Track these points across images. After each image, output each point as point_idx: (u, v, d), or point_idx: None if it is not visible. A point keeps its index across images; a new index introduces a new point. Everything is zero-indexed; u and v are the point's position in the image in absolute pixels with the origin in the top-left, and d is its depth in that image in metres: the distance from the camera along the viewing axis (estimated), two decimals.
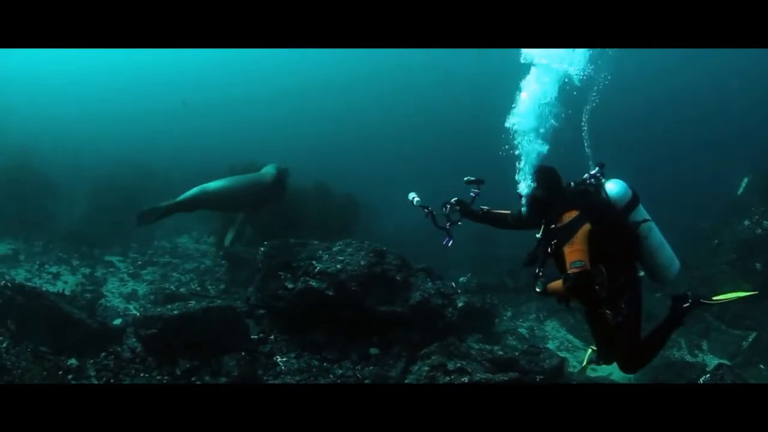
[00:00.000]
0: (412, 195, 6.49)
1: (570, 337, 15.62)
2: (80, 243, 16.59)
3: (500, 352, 8.62)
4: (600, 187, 5.82)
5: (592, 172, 5.89)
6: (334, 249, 9.30)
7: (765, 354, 12.63)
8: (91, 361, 8.07)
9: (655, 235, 5.89)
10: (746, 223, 16.81)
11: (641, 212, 5.86)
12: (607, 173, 5.89)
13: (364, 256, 9.01)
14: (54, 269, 14.66)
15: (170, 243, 19.18)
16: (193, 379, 7.84)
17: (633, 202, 5.81)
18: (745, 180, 19.17)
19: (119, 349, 8.38)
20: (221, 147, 25.08)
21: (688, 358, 13.73)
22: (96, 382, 7.66)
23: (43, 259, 15.17)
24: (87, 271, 14.92)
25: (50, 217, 18.79)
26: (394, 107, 55.03)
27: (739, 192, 19.03)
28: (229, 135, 43.77)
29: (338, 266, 8.76)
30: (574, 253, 5.27)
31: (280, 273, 9.10)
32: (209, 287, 14.09)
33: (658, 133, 46.77)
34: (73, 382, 7.52)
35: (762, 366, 12.12)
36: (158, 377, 7.79)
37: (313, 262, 8.92)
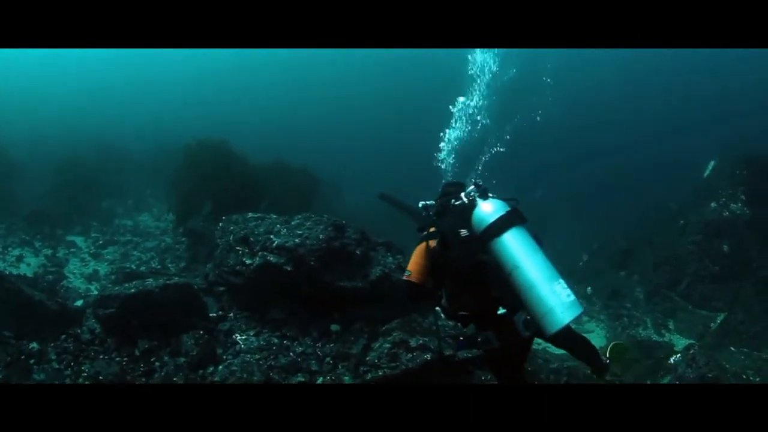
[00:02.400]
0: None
1: None
2: (42, 223, 16.33)
3: (464, 329, 8.50)
4: (470, 206, 5.50)
5: (468, 190, 5.64)
6: (293, 223, 9.05)
7: (734, 336, 12.67)
8: (52, 344, 7.92)
9: (524, 275, 5.08)
10: (713, 205, 16.93)
11: (509, 243, 5.18)
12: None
13: (323, 230, 8.76)
14: (17, 251, 14.48)
15: (132, 221, 18.94)
16: (152, 359, 7.69)
17: (494, 229, 5.25)
18: (712, 163, 19.34)
19: (79, 331, 8.18)
20: (178, 125, 24.84)
21: (655, 337, 13.76)
22: (57, 366, 7.55)
23: (6, 241, 14.95)
24: (49, 252, 14.79)
25: (14, 198, 18.46)
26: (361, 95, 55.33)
27: (705, 174, 19.17)
28: (186, 113, 43.47)
29: (297, 240, 8.52)
30: (409, 263, 5.48)
31: (237, 248, 8.88)
32: (170, 265, 13.95)
33: (631, 116, 47.15)
34: (35, 367, 7.44)
35: (732, 348, 12.10)
36: (117, 359, 7.62)
37: (271, 236, 8.68)
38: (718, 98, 44.01)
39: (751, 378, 10.33)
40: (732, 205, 16.88)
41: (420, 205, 5.97)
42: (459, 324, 5.66)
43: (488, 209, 5.31)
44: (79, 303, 10.01)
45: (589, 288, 17.69)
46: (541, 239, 5.97)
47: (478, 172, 6.29)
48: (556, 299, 4.92)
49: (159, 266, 13.96)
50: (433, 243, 5.47)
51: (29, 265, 13.66)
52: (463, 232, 5.35)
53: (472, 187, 5.60)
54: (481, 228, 5.26)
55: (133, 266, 14.05)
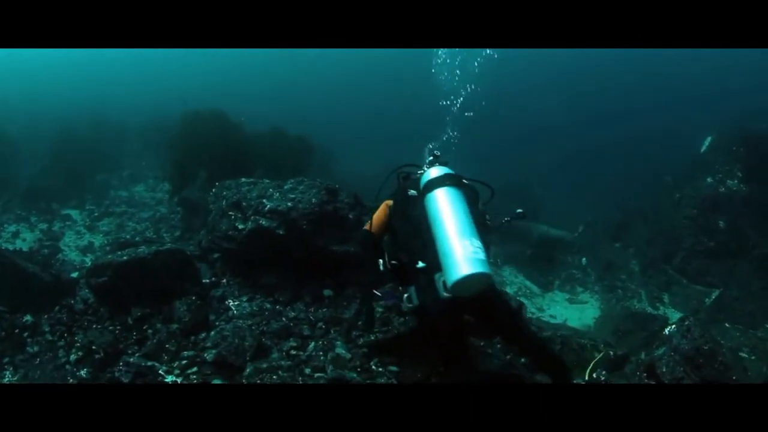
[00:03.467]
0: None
1: (527, 282, 15.82)
2: (38, 198, 16.38)
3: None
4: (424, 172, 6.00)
5: (428, 160, 6.31)
6: (286, 187, 8.99)
7: (729, 312, 12.76)
8: (46, 316, 7.95)
9: (440, 228, 5.36)
10: (709, 180, 16.90)
11: (436, 198, 5.56)
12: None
13: (316, 194, 8.71)
14: (13, 228, 14.65)
15: (127, 192, 18.93)
16: (145, 327, 7.68)
17: (429, 186, 5.68)
18: (709, 139, 19.33)
19: (72, 301, 8.17)
20: (177, 96, 24.90)
21: (650, 310, 13.79)
22: (51, 338, 7.56)
23: (2, 218, 15.08)
24: (44, 226, 14.88)
25: (11, 176, 18.50)
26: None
27: (702, 150, 19.15)
28: (185, 84, 43.35)
29: (289, 204, 8.47)
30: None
31: (230, 213, 8.84)
32: (164, 235, 13.97)
33: (629, 90, 47.15)
34: (29, 340, 7.49)
35: (727, 324, 12.12)
36: (110, 327, 7.61)
37: (264, 200, 8.61)
38: (718, 74, 44.02)
39: (747, 355, 10.32)
40: (728, 181, 16.86)
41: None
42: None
43: (433, 173, 5.82)
44: (75, 275, 10.01)
45: (584, 259, 17.75)
46: (524, 214, 6.63)
47: (438, 144, 6.77)
48: (462, 252, 5.07)
49: (154, 236, 13.95)
50: (391, 202, 6.10)
51: (25, 240, 13.87)
52: (412, 192, 5.76)
53: (431, 157, 6.20)
54: (422, 185, 5.69)
55: (128, 237, 14.04)
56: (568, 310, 14.43)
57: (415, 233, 5.66)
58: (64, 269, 10.94)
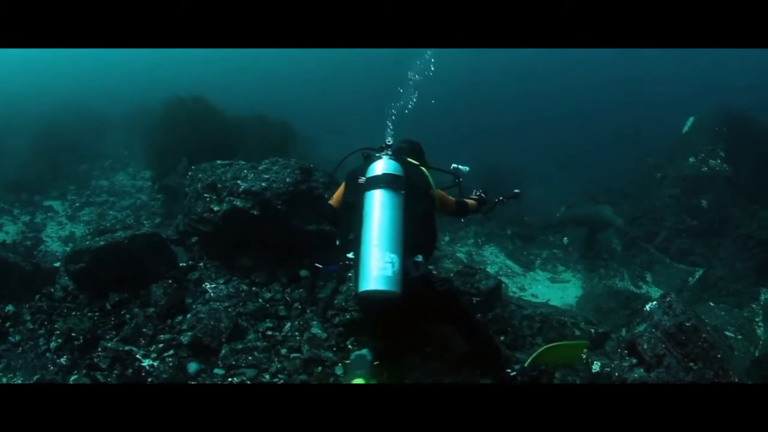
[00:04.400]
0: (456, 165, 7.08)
1: (509, 262, 15.84)
2: (21, 191, 16.30)
3: (434, 272, 8.47)
4: (374, 160, 6.12)
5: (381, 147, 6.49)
6: (260, 168, 8.91)
7: (713, 291, 12.70)
8: (27, 305, 7.92)
9: (366, 232, 5.61)
10: (691, 160, 16.94)
11: (371, 200, 5.73)
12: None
13: (290, 174, 8.65)
14: None
15: (108, 181, 18.82)
16: (122, 312, 7.63)
17: (369, 183, 5.85)
18: (691, 119, 19.36)
19: (52, 289, 8.14)
20: (158, 86, 24.77)
21: (632, 288, 13.82)
22: (32, 327, 7.54)
23: None
24: (27, 218, 14.82)
25: None
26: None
27: (684, 130, 19.17)
28: (167, 72, 43.20)
29: (263, 184, 8.41)
30: None
31: (205, 195, 8.78)
32: (145, 222, 13.94)
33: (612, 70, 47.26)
34: (11, 330, 7.47)
35: (712, 303, 12.10)
36: (89, 314, 7.57)
37: (238, 181, 8.55)
38: (700, 55, 44.09)
39: (732, 335, 10.33)
40: (711, 161, 16.91)
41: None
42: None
43: (378, 166, 5.91)
44: (57, 265, 10.00)
45: (566, 238, 17.75)
46: (520, 194, 7.26)
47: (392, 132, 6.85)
48: (370, 266, 5.35)
49: (134, 223, 13.92)
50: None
51: (8, 233, 13.81)
52: (361, 179, 5.86)
53: (383, 146, 6.33)
54: (366, 177, 5.73)
55: (109, 225, 14.00)
56: (550, 290, 14.44)
57: (354, 222, 5.83)
58: (47, 260, 10.94)
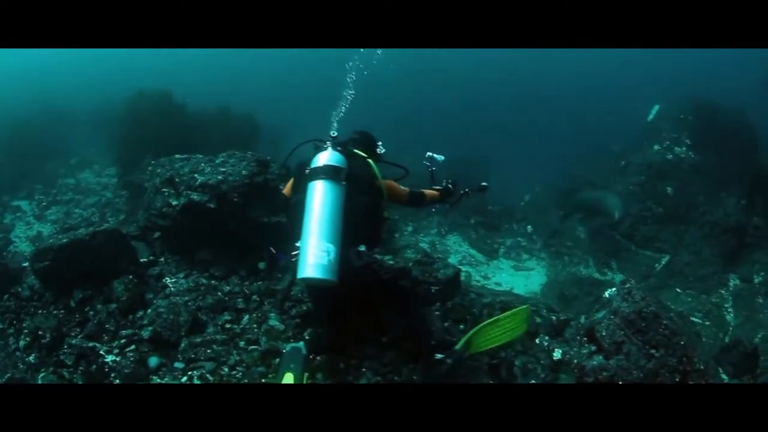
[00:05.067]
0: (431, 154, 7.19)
1: (472, 251, 15.90)
2: None
3: (391, 262, 8.50)
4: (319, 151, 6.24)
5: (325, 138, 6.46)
6: (217, 161, 8.92)
7: (680, 277, 12.85)
8: None
9: (308, 220, 5.80)
10: (656, 147, 17.08)
11: (313, 190, 5.89)
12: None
13: (246, 166, 8.65)
14: None
15: (74, 179, 18.77)
16: (86, 308, 7.66)
17: (311, 173, 6.01)
18: (656, 107, 19.50)
19: (19, 289, 8.14)
20: (123, 81, 24.68)
21: (597, 275, 13.87)
22: (1, 326, 7.64)
23: None
24: None
25: None
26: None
27: (649, 119, 19.30)
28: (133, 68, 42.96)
29: (219, 177, 8.40)
30: None
31: (164, 190, 8.76)
32: (110, 219, 13.96)
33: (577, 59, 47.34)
34: None
35: (678, 290, 12.20)
36: (55, 311, 7.59)
37: (195, 175, 8.54)
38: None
39: (700, 321, 10.40)
40: (676, 148, 17.06)
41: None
42: None
43: (321, 157, 6.03)
44: (26, 265, 10.01)
45: (530, 226, 17.89)
46: (486, 187, 7.34)
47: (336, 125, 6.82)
48: (309, 253, 5.56)
49: (99, 221, 13.90)
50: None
51: None
52: (307, 170, 5.98)
53: (329, 139, 6.34)
54: (310, 168, 6.01)
55: (75, 224, 14.00)
56: (514, 278, 14.52)
57: (299, 210, 5.96)
58: (16, 260, 10.94)
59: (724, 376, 7.98)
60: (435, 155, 7.15)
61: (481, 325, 6.57)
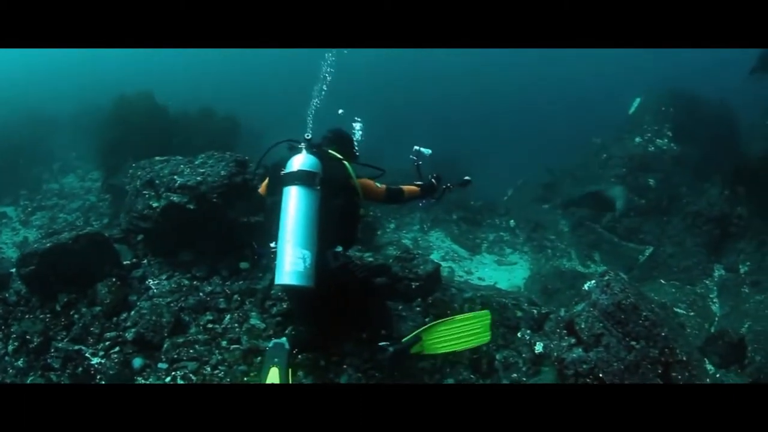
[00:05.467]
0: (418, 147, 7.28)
1: (455, 246, 15.94)
2: None
3: (370, 258, 8.56)
4: (294, 153, 6.24)
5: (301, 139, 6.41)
6: (197, 162, 8.98)
7: (664, 268, 12.91)
8: None
9: (283, 226, 5.85)
10: (637, 140, 17.16)
11: (288, 196, 5.92)
12: None
13: (225, 167, 8.70)
14: None
15: (58, 184, 18.81)
16: (71, 312, 7.73)
17: (286, 178, 6.01)
18: (638, 100, 19.61)
19: (6, 294, 8.17)
20: (103, 85, 24.65)
21: (580, 268, 13.93)
22: None
23: None
24: None
25: None
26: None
27: (631, 111, 19.40)
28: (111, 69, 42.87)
29: (198, 178, 8.46)
30: None
31: (144, 192, 8.81)
32: (94, 223, 13.99)
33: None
34: None
35: (662, 281, 12.25)
36: (41, 316, 7.65)
37: (175, 176, 8.59)
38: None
39: (684, 311, 10.45)
40: (658, 140, 17.14)
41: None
42: None
43: (295, 161, 6.03)
44: (12, 271, 10.05)
45: (512, 221, 17.93)
46: (469, 181, 7.36)
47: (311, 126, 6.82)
48: (285, 261, 5.66)
49: (83, 225, 13.92)
50: None
51: None
52: (283, 171, 6.00)
53: (304, 141, 6.30)
54: (284, 172, 6.02)
55: (59, 229, 14.05)
56: (497, 272, 14.59)
57: (276, 212, 6.03)
58: (3, 266, 10.96)
59: (710, 367, 8.04)
60: (422, 149, 7.22)
61: (435, 322, 6.65)
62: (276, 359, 6.05)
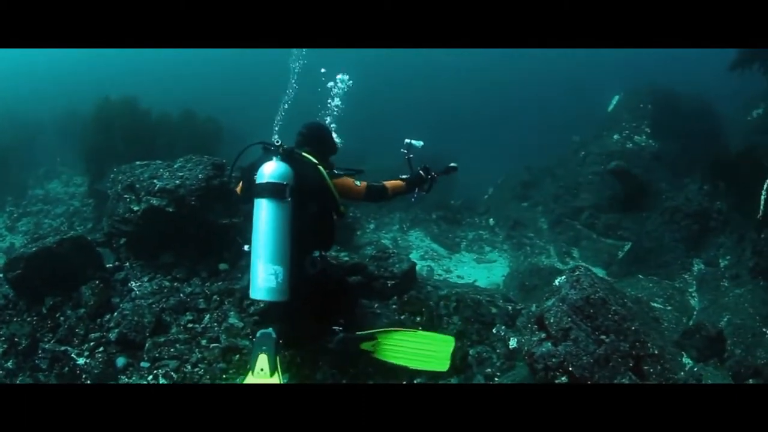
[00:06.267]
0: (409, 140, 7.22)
1: (434, 246, 15.99)
2: None
3: (346, 258, 8.70)
4: (265, 159, 6.22)
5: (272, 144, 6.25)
6: (175, 166, 9.18)
7: (642, 264, 12.96)
8: None
9: (255, 240, 5.94)
10: (615, 137, 17.27)
11: (259, 209, 5.94)
12: None
13: (202, 170, 8.89)
14: None
15: (42, 189, 18.88)
16: (57, 314, 7.93)
17: (257, 189, 6.00)
18: (616, 98, 19.76)
19: None
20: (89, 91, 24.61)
21: (558, 265, 14.00)
22: None
23: None
24: None
25: None
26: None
27: (609, 109, 19.53)
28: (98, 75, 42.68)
29: (177, 182, 8.64)
30: None
31: (125, 196, 8.96)
32: (78, 227, 14.03)
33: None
34: None
35: (641, 276, 12.32)
36: (28, 319, 7.84)
37: (154, 180, 8.76)
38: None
39: (661, 306, 10.51)
40: (636, 137, 17.25)
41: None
42: None
43: (266, 170, 5.97)
44: (0, 276, 10.17)
45: (492, 219, 18.01)
46: (456, 168, 7.42)
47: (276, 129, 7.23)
48: (260, 276, 5.80)
49: (67, 230, 14.03)
50: None
51: None
52: (256, 177, 5.99)
53: (273, 141, 6.17)
54: (256, 182, 6.00)
55: (44, 234, 14.14)
56: (476, 270, 14.71)
57: (249, 219, 6.09)
58: None
59: (687, 360, 8.09)
60: (413, 141, 7.18)
61: (396, 330, 6.86)
62: (264, 347, 6.17)
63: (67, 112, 23.05)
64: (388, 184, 6.89)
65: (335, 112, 7.40)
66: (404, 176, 7.11)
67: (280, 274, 5.71)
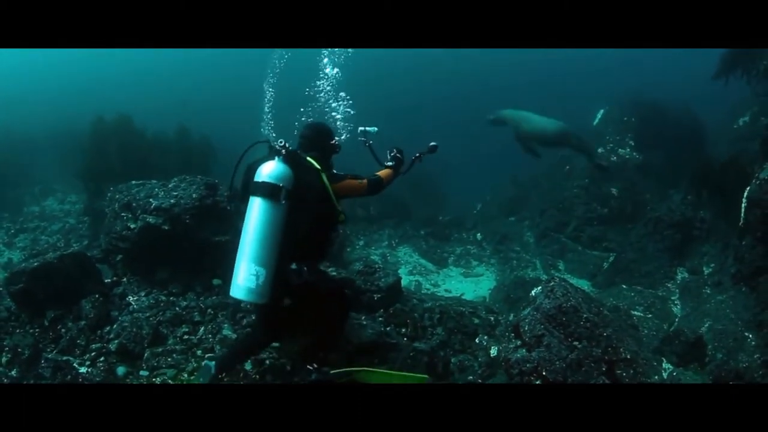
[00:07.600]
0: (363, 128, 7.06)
1: (423, 261, 16.10)
2: None
3: (334, 273, 8.99)
4: (264, 159, 6.01)
5: (273, 145, 6.08)
6: (170, 185, 9.61)
7: (625, 274, 13.11)
8: None
9: (243, 237, 5.79)
10: (600, 150, 17.40)
11: (251, 208, 5.80)
12: None
13: (196, 190, 9.34)
14: None
15: (38, 206, 19.07)
16: (58, 326, 8.26)
17: (252, 188, 5.85)
18: (601, 111, 19.94)
19: None
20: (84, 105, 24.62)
21: (544, 277, 14.00)
22: None
23: None
24: None
25: None
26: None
27: (595, 123, 19.73)
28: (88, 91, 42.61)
29: (172, 201, 9.07)
30: None
31: (122, 214, 9.32)
32: (74, 244, 14.18)
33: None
34: None
35: (624, 286, 12.50)
36: (31, 330, 8.15)
37: (150, 199, 9.18)
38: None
39: (641, 314, 10.67)
40: (620, 150, 17.45)
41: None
42: None
43: (264, 170, 5.79)
44: (1, 290, 10.37)
45: (479, 234, 18.15)
46: (436, 147, 7.16)
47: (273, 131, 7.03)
48: (241, 276, 5.64)
49: (64, 246, 14.24)
50: None
51: None
52: (255, 176, 5.84)
53: (277, 142, 5.99)
54: (253, 179, 5.83)
55: (42, 250, 14.31)
56: (464, 284, 14.92)
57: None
58: None
59: (667, 365, 8.34)
60: (367, 128, 7.06)
61: (371, 369, 6.74)
62: (201, 378, 6.34)
63: (62, 132, 23.12)
64: (382, 174, 6.74)
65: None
66: (388, 163, 6.97)
67: (261, 275, 5.58)
